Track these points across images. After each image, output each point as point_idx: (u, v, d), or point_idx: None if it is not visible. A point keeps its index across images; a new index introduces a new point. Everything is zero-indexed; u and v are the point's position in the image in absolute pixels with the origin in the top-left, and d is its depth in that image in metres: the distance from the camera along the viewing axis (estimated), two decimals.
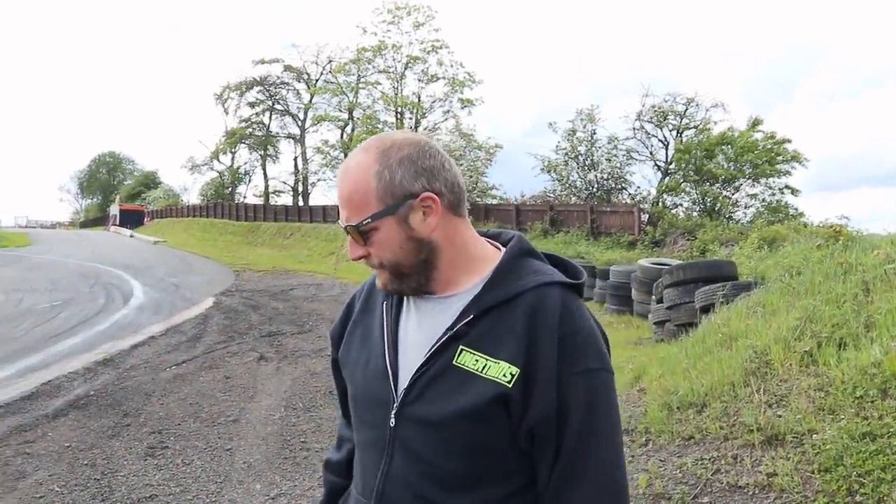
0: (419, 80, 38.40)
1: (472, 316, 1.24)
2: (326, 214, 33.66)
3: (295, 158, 49.07)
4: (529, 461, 1.23)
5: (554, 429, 1.19)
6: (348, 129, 42.67)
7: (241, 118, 50.32)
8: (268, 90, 48.07)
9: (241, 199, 50.80)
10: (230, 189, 53.21)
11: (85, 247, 34.01)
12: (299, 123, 48.52)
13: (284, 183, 50.55)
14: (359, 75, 40.59)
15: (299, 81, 47.43)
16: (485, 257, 1.31)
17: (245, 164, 53.53)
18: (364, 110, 40.07)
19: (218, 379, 7.71)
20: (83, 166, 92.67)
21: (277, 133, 50.66)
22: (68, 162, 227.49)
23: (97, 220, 78.00)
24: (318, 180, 46.10)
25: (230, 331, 11.05)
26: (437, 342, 1.25)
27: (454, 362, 1.22)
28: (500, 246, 1.36)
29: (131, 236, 46.31)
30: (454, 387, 1.21)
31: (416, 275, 1.28)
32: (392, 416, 1.27)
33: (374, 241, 1.26)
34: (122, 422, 6.11)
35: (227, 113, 50.76)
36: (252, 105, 49.78)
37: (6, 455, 5.28)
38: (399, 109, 38.46)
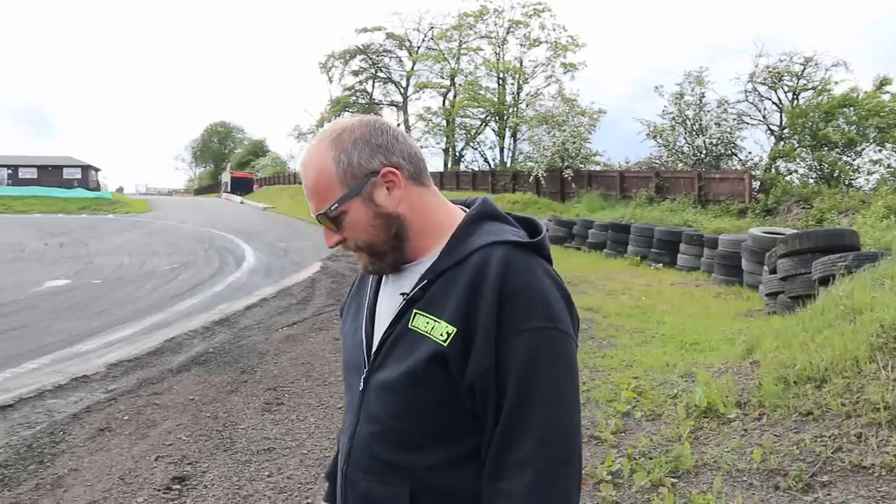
0: (521, 45, 37.98)
1: (426, 281, 1.27)
2: None
3: (398, 125, 49.46)
4: (478, 425, 1.23)
5: (493, 385, 1.18)
6: (450, 95, 42.70)
7: (345, 86, 51.15)
8: (371, 58, 48.58)
9: None
10: None
11: (199, 212, 35.66)
12: (402, 91, 48.94)
13: None
14: (460, 41, 40.46)
15: (401, 49, 47.72)
16: (451, 223, 1.33)
17: None
18: (466, 76, 39.96)
19: (327, 340, 7.98)
20: (196, 136, 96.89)
21: (380, 101, 51.22)
22: (183, 132, 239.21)
23: (209, 187, 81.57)
24: (421, 147, 45.96)
25: (337, 294, 11.38)
26: (397, 308, 1.30)
27: (409, 326, 1.25)
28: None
29: (242, 203, 48.18)
30: (406, 350, 1.25)
31: (390, 251, 1.31)
32: (361, 380, 1.34)
33: (346, 225, 1.29)
34: (240, 378, 6.43)
35: (331, 81, 51.75)
36: (356, 73, 50.50)
37: (138, 405, 5.66)
38: (501, 75, 38.17)
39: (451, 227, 1.32)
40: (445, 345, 1.19)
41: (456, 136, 41.13)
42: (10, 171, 62.00)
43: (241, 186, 60.37)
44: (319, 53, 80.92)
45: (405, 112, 48.15)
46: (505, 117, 37.72)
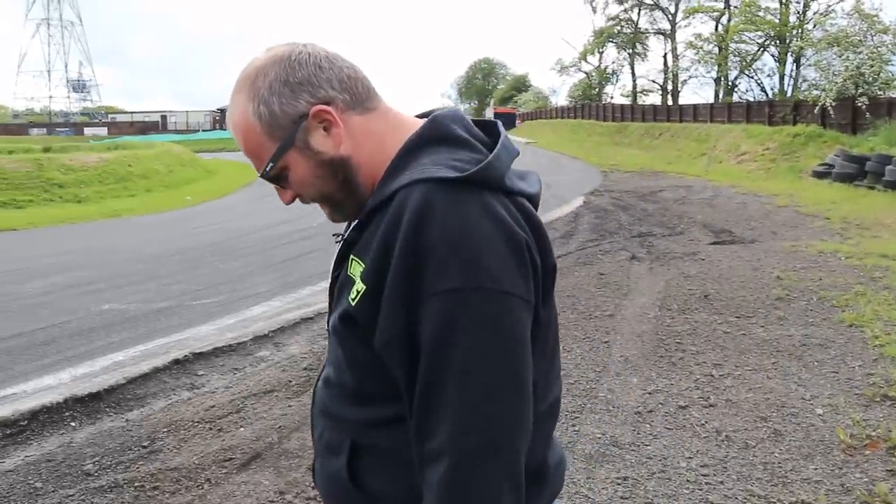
0: None
1: (357, 221, 1.11)
2: (697, 114, 32.10)
3: (664, 55, 47.27)
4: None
5: (399, 359, 1.01)
6: (724, 19, 39.67)
7: (609, 16, 49.79)
8: None
9: (609, 100, 50.80)
10: (597, 90, 53.40)
11: None
12: (670, 17, 46.48)
13: (653, 81, 49.42)
14: None
15: None
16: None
17: (612, 63, 53.28)
18: None
19: (592, 275, 8.01)
20: (462, 73, 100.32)
21: (646, 29, 49.23)
22: (449, 69, 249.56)
23: (473, 122, 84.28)
24: (690, 77, 44.01)
25: (600, 230, 11.35)
26: (337, 253, 1.17)
27: (349, 273, 1.10)
28: None
29: None
30: (344, 297, 1.10)
31: (346, 198, 1.15)
32: (326, 322, 1.23)
33: (292, 181, 1.13)
34: None
35: (595, 11, 50.67)
36: (620, 1, 48.83)
37: None
38: None
39: None
40: (353, 304, 1.05)
41: (729, 63, 38.24)
42: None
43: (504, 121, 60.97)
44: None
45: (673, 40, 45.73)
46: (787, 40, 34.21)
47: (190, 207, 18.15)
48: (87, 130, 68.55)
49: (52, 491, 3.55)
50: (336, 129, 1.09)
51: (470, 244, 0.97)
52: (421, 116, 1.20)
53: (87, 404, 4.64)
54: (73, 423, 4.40)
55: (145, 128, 69.76)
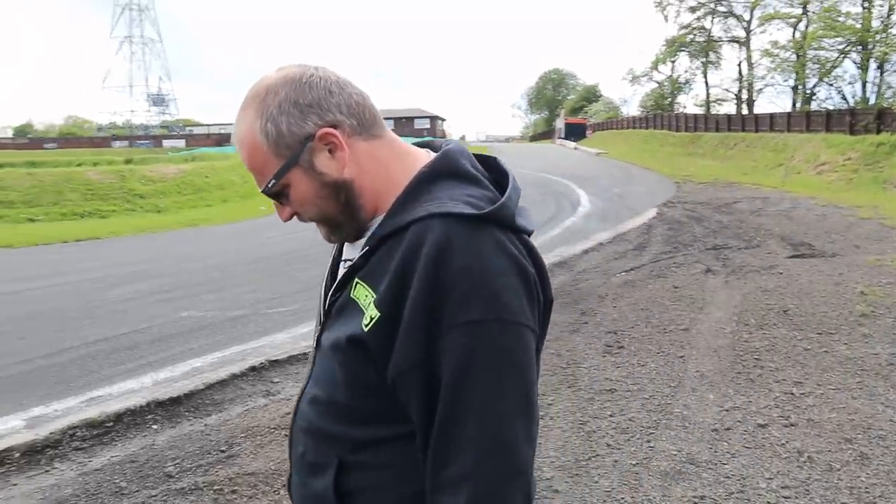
0: None
1: (367, 248, 1.12)
2: (774, 123, 31.16)
3: (739, 64, 46.42)
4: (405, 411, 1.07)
5: (417, 389, 1.02)
6: (801, 25, 38.54)
7: (682, 25, 49.04)
8: None
9: (681, 110, 49.88)
10: (670, 99, 52.59)
11: (535, 158, 36.95)
12: (744, 25, 45.45)
13: (727, 91, 48.36)
14: None
15: None
16: (408, 178, 1.13)
17: (685, 72, 52.40)
18: (822, 2, 35.61)
19: (666, 288, 7.86)
20: (532, 84, 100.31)
21: (720, 37, 48.27)
22: (519, 81, 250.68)
23: (543, 133, 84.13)
24: (766, 86, 42.92)
25: (674, 242, 11.13)
26: (341, 275, 1.19)
27: (351, 295, 1.12)
28: None
29: (575, 148, 48.85)
30: (346, 319, 1.11)
31: (347, 220, 1.17)
32: (315, 338, 1.25)
33: (293, 199, 1.16)
34: (581, 319, 6.64)
35: (666, 20, 50.08)
36: (693, 9, 48.04)
37: None
38: None
39: (406, 182, 1.14)
40: (366, 330, 1.05)
41: (807, 71, 37.12)
42: None
43: (575, 132, 61.17)
44: None
45: (748, 48, 44.68)
46: (870, 46, 33.01)
47: (264, 217, 18.58)
48: (166, 142, 71.21)
49: (137, 491, 3.68)
50: (341, 152, 1.12)
51: (489, 279, 1.00)
52: (419, 146, 1.24)
53: (168, 408, 4.80)
54: (154, 426, 4.55)
55: (221, 139, 71.75)
